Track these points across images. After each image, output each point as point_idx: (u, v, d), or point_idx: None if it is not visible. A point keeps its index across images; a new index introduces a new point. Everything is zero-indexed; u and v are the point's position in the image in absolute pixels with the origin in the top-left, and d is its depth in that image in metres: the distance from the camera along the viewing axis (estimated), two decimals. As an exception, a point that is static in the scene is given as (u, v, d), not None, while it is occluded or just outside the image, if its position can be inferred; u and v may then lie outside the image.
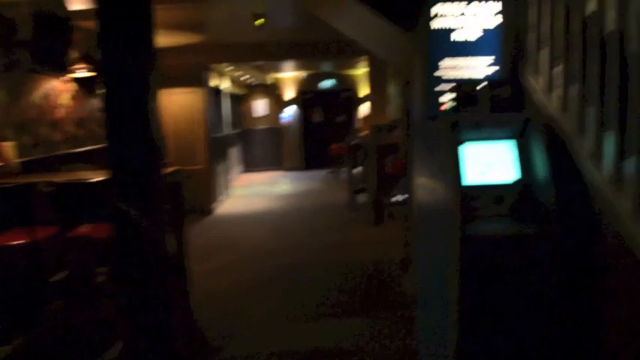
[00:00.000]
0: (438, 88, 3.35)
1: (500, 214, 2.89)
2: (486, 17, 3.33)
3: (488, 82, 3.09)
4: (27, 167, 5.41)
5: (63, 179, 4.46)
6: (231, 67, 11.73)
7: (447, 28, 3.32)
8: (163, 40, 8.09)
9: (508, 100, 3.10)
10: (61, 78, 6.46)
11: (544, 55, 3.14)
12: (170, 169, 5.58)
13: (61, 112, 6.47)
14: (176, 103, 9.83)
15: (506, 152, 2.99)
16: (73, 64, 6.47)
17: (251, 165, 16.08)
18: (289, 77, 15.84)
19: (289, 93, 16.03)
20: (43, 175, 5.06)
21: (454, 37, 3.33)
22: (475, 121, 2.99)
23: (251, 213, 9.94)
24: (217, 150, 10.94)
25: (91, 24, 6.09)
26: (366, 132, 10.40)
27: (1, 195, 4.19)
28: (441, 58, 3.32)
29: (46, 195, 4.26)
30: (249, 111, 16.28)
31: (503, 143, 3.01)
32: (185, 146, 9.94)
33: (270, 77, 15.60)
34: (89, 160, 6.58)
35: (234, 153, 14.08)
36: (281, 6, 5.66)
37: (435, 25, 3.31)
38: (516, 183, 2.92)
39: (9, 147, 5.07)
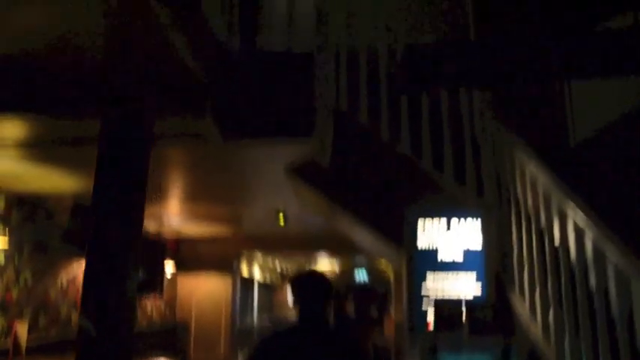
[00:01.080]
0: (424, 306, 3.36)
1: None
2: (469, 236, 3.44)
3: (469, 304, 3.11)
4: (39, 349, 5.49)
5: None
6: (263, 256, 12.00)
7: (433, 247, 3.43)
8: (196, 229, 8.52)
9: (489, 323, 3.08)
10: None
11: (526, 277, 3.16)
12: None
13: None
14: (203, 288, 9.96)
15: (487, 377, 2.90)
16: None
17: (279, 355, 15.56)
18: (321, 268, 15.99)
19: (323, 283, 16.05)
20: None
21: (440, 256, 3.42)
22: (455, 344, 2.97)
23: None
24: (242, 339, 10.77)
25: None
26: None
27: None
28: (426, 275, 3.39)
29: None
30: (280, 299, 16.24)
31: (483, 367, 2.94)
32: (207, 333, 9.85)
33: (303, 266, 15.79)
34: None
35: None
36: (299, 212, 5.99)
37: (421, 243, 3.43)
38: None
39: (22, 326, 5.21)
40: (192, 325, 9.80)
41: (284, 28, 3.24)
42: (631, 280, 2.18)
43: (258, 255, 11.82)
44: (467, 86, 3.99)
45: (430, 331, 3.19)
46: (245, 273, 11.35)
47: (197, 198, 6.04)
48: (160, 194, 5.65)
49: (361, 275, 16.20)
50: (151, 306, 8.77)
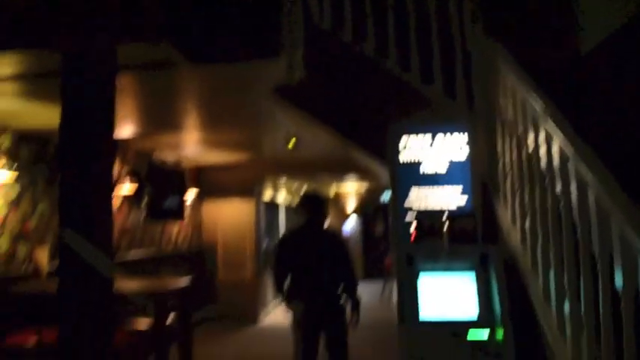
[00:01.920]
0: (408, 218, 3.42)
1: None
2: (453, 149, 3.43)
3: (450, 215, 3.15)
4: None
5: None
6: (287, 180, 12.15)
7: (415, 160, 3.45)
8: (214, 157, 8.67)
9: (470, 232, 3.13)
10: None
11: (508, 186, 3.17)
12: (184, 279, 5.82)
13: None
14: (227, 213, 10.29)
15: (466, 285, 2.97)
16: (119, 180, 7.02)
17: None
18: (350, 190, 16.16)
19: (351, 205, 16.30)
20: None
21: (422, 169, 3.44)
22: (434, 253, 3.04)
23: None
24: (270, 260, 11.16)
25: (138, 146, 6.63)
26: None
27: (18, 299, 4.63)
28: (410, 188, 3.42)
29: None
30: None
31: (462, 275, 3.00)
32: (234, 255, 10.28)
33: (330, 189, 15.97)
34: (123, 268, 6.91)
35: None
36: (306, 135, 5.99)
37: (403, 158, 3.44)
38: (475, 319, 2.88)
39: (42, 252, 5.53)
40: (219, 248, 10.21)
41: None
42: (588, 185, 2.18)
43: (283, 179, 11.98)
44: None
45: (411, 243, 3.27)
46: (270, 197, 11.60)
47: (205, 126, 6.11)
48: (165, 124, 5.74)
49: (388, 197, 16.31)
50: (176, 232, 9.11)
